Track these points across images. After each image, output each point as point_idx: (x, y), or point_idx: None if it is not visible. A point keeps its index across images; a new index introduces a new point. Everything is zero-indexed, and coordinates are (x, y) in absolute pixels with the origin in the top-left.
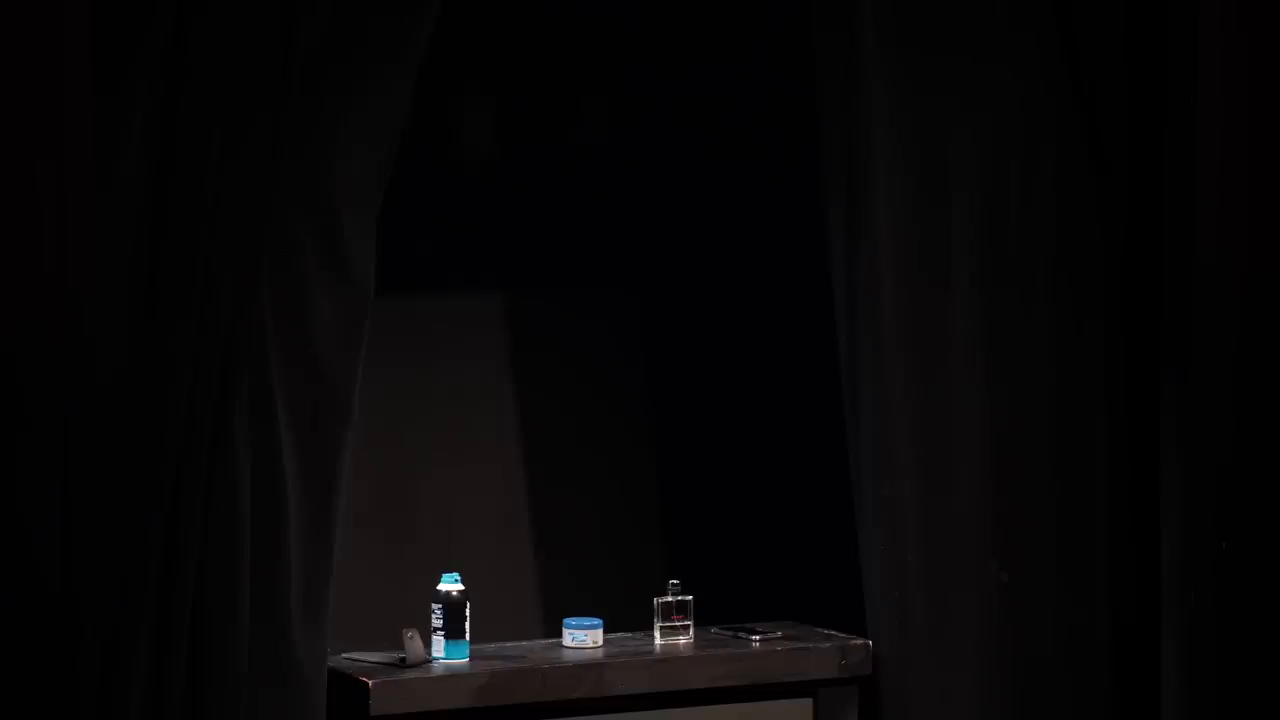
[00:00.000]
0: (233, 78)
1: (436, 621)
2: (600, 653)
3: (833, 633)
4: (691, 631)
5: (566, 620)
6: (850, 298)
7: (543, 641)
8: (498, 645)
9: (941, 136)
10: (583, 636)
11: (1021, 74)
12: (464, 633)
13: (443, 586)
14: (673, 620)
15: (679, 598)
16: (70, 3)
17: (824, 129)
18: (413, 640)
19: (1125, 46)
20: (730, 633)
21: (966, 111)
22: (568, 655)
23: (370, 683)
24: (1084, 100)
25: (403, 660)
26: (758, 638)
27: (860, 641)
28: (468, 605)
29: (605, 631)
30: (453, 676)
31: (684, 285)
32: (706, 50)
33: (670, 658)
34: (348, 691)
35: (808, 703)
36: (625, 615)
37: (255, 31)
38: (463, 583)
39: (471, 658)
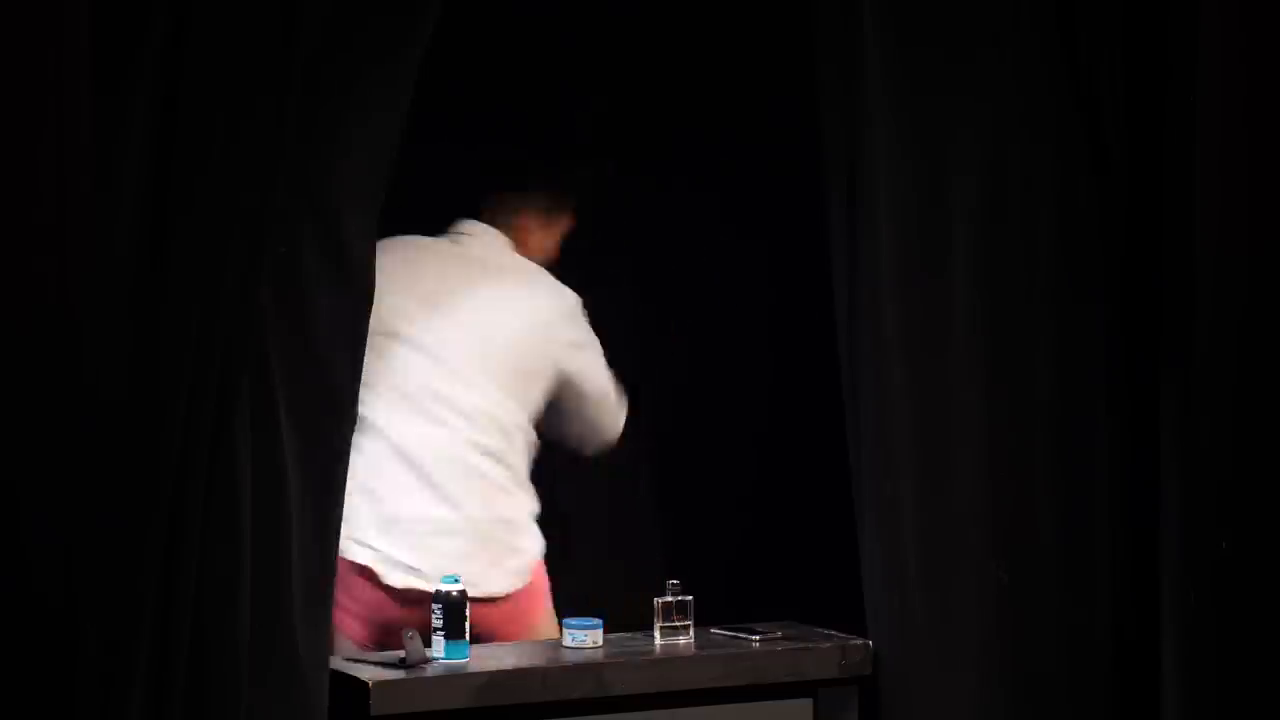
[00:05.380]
0: (233, 78)
1: (436, 621)
2: (600, 653)
3: (833, 633)
4: (691, 631)
5: (566, 620)
6: (850, 297)
7: (543, 641)
8: (498, 645)
9: (942, 136)
10: (583, 636)
11: (1021, 73)
12: (464, 633)
13: (443, 586)
14: (673, 620)
15: (679, 598)
16: (70, 3)
17: (824, 128)
18: (413, 640)
19: (1125, 46)
20: (730, 633)
21: (966, 111)
22: (568, 655)
23: (370, 683)
24: (1084, 100)
25: (403, 660)
26: (758, 638)
27: (860, 641)
28: (468, 605)
29: (605, 631)
30: (453, 676)
31: (684, 284)
32: (706, 48)
33: (670, 658)
34: (348, 691)
35: (808, 703)
36: (625, 615)
37: (256, 32)
38: (463, 583)
39: (471, 658)
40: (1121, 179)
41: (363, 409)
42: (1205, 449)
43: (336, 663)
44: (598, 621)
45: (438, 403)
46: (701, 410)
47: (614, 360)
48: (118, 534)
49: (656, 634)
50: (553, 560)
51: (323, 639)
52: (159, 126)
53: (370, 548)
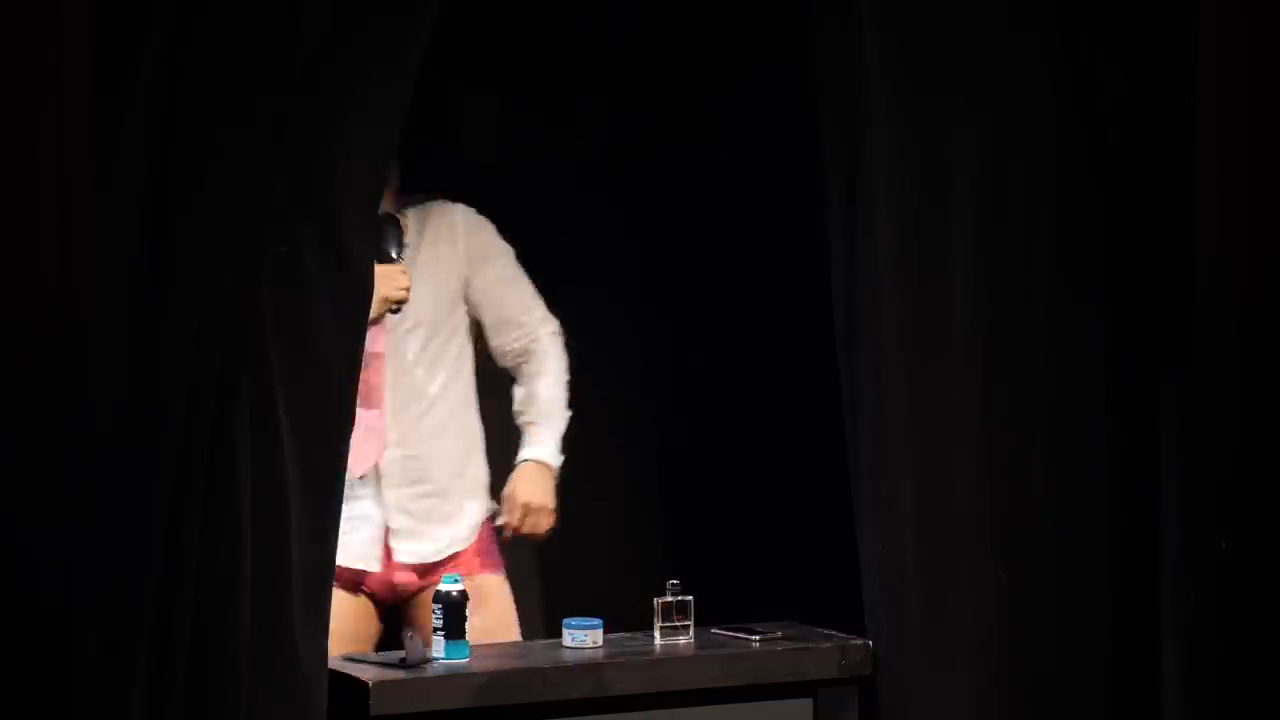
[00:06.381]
0: (233, 78)
1: (436, 621)
2: (600, 653)
3: (833, 633)
4: (691, 631)
5: (566, 620)
6: (850, 297)
7: (543, 641)
8: (498, 645)
9: (941, 136)
10: (583, 636)
11: (1021, 73)
12: (464, 633)
13: (443, 586)
14: (673, 620)
15: (679, 598)
16: (70, 3)
17: (824, 129)
18: (413, 640)
19: (1125, 46)
20: (730, 633)
21: (966, 111)
22: (568, 655)
23: (370, 683)
24: (1084, 100)
25: (403, 660)
26: (758, 638)
27: (860, 641)
28: (468, 605)
29: (605, 631)
30: (453, 676)
31: (684, 284)
32: (706, 49)
33: (670, 658)
34: (348, 691)
35: (807, 703)
36: (625, 615)
37: (256, 32)
38: (463, 583)
39: (471, 658)
40: (1121, 179)
41: None
42: (1205, 449)
43: (336, 663)
44: (598, 621)
45: None
46: (701, 410)
47: (615, 360)
48: (118, 533)
49: (656, 634)
50: (553, 560)
51: (322, 639)
52: (159, 126)
53: None
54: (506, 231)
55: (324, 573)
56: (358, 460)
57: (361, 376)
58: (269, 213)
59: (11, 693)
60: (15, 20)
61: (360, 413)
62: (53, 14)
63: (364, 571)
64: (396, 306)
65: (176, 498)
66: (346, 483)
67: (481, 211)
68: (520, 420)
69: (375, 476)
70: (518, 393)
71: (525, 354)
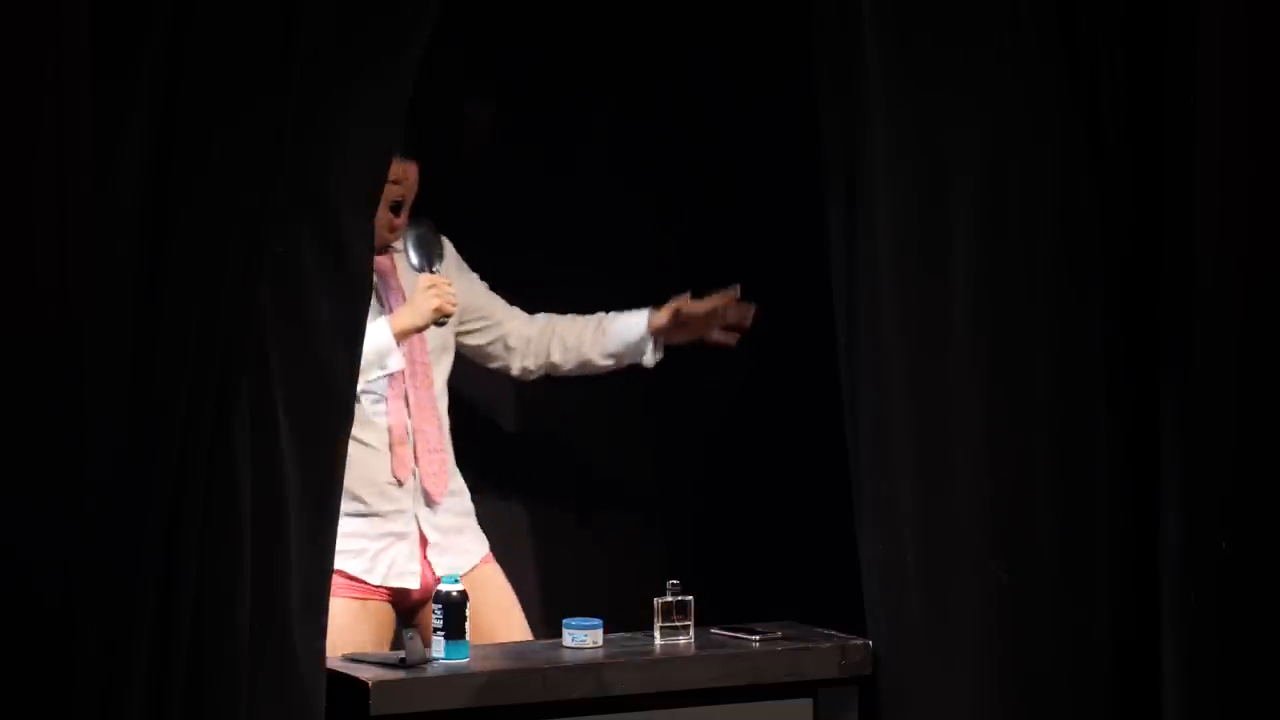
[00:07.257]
0: (232, 78)
1: (436, 621)
2: (600, 653)
3: (833, 633)
4: (691, 632)
5: (566, 620)
6: (850, 297)
7: (543, 641)
8: (498, 645)
9: (942, 136)
10: (583, 636)
11: (1022, 73)
12: (464, 633)
13: (443, 586)
14: (673, 620)
15: (679, 598)
16: (70, 2)
17: (824, 127)
18: (413, 640)
19: (1125, 46)
20: (730, 633)
21: (967, 110)
22: (568, 655)
23: (370, 683)
24: (1084, 100)
25: (403, 660)
26: (758, 638)
27: (860, 641)
28: (468, 605)
29: (605, 631)
30: (453, 676)
31: (683, 283)
32: (705, 48)
33: (670, 658)
34: (348, 691)
35: (807, 703)
36: (625, 615)
37: (255, 31)
38: (463, 583)
39: (471, 658)
40: (1121, 179)
41: None
42: (1205, 449)
43: (336, 663)
44: (598, 621)
45: None
46: (701, 410)
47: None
48: (117, 534)
49: (656, 634)
50: (554, 560)
51: (322, 638)
52: (159, 126)
53: None
54: (503, 233)
55: (321, 573)
56: (436, 483)
57: (424, 396)
58: (268, 213)
59: (11, 693)
60: (15, 20)
61: (427, 434)
62: (53, 14)
63: (406, 590)
64: (444, 318)
65: (175, 498)
66: (382, 498)
67: (480, 212)
68: (601, 325)
69: (414, 493)
70: (567, 340)
71: (542, 335)
